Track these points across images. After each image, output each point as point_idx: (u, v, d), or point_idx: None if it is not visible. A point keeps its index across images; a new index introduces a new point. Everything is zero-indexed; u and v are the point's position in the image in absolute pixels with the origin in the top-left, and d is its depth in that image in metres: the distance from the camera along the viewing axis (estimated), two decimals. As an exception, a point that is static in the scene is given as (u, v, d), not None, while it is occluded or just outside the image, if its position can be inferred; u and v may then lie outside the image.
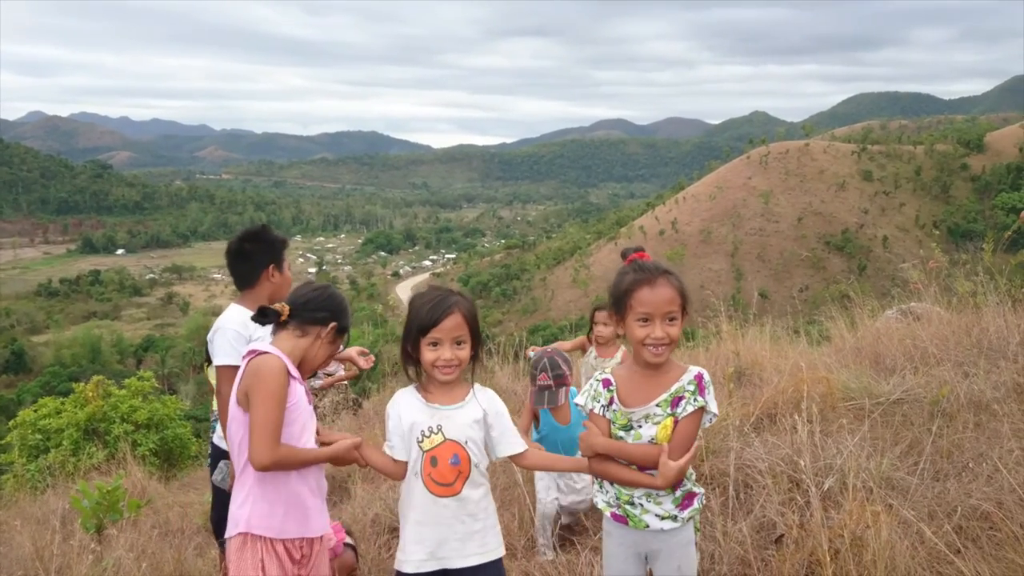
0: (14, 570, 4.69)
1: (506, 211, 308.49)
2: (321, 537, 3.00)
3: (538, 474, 4.51)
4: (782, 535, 3.70)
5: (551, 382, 4.26)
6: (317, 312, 3.00)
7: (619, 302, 2.79)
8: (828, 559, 3.32)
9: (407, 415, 2.87)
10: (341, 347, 3.25)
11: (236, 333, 3.78)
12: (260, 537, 2.82)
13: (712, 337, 7.60)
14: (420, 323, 2.81)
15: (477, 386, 2.96)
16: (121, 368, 65.75)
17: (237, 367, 3.14)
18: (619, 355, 5.75)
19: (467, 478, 2.85)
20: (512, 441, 2.94)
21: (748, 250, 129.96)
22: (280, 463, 2.79)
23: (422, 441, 2.83)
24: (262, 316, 2.95)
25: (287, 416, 2.83)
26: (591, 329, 5.92)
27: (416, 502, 2.84)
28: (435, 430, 2.84)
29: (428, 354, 2.81)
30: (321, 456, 2.92)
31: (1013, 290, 6.30)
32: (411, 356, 2.88)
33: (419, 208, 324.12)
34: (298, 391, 2.89)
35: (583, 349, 6.12)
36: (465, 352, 2.84)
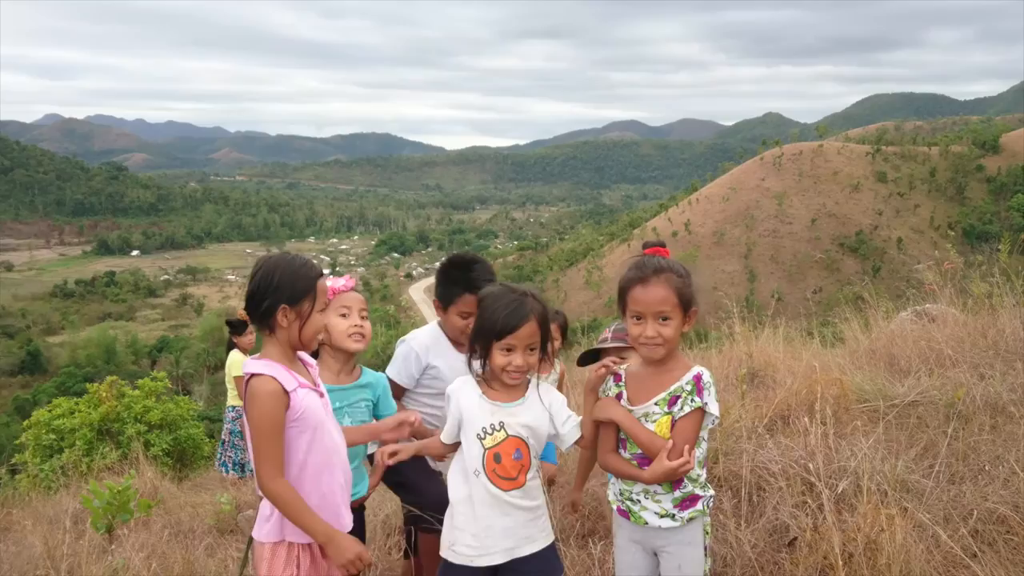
0: (26, 570, 4.70)
1: (519, 213, 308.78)
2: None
3: None
4: (795, 538, 3.67)
5: (608, 335, 3.91)
6: (261, 305, 2.78)
7: (619, 298, 2.84)
8: (841, 563, 3.28)
9: (467, 410, 2.87)
10: (321, 306, 2.90)
11: (410, 352, 3.80)
12: (295, 544, 2.82)
13: (725, 339, 7.56)
14: (497, 328, 2.79)
15: (534, 381, 2.95)
16: (136, 369, 66.02)
17: (395, 383, 3.70)
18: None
19: (528, 470, 2.89)
20: (575, 430, 2.95)
21: (762, 252, 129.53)
22: (277, 499, 2.72)
23: (484, 439, 2.84)
24: (231, 326, 2.93)
25: (296, 428, 2.77)
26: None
27: (479, 497, 2.84)
28: (497, 427, 2.85)
29: (500, 359, 2.80)
30: (316, 531, 2.74)
31: (1029, 291, 6.23)
32: (477, 352, 2.88)
33: (432, 210, 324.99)
34: (302, 401, 2.77)
35: None
36: (535, 358, 2.84)
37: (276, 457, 2.72)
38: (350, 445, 3.13)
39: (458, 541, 2.88)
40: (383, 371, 3.80)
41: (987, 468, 3.98)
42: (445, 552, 2.92)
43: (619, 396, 2.87)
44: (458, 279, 3.70)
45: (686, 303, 2.75)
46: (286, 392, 2.73)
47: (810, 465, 3.98)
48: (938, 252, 7.87)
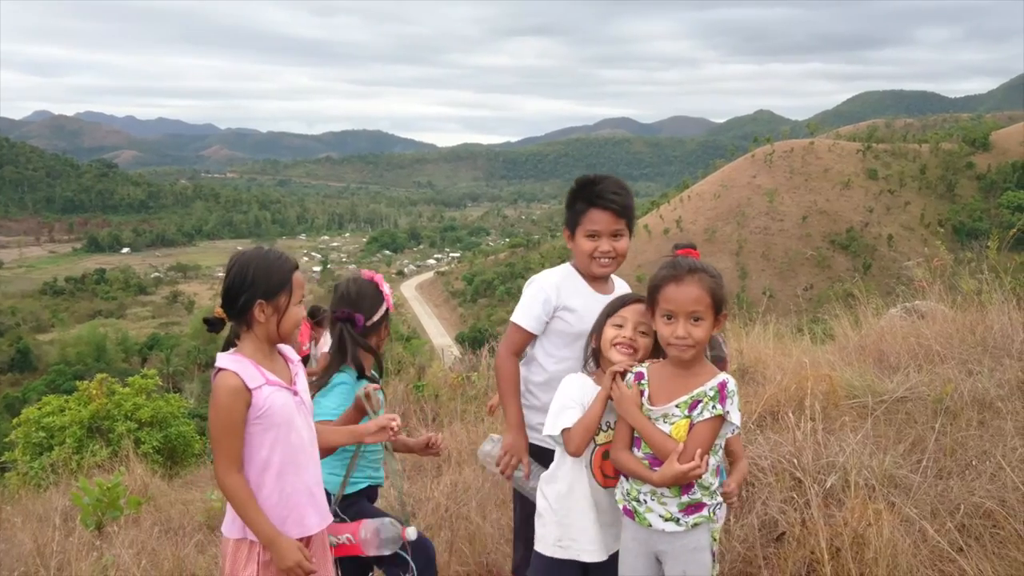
0: (15, 567, 4.68)
1: (510, 210, 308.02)
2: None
3: None
4: (783, 533, 3.69)
5: None
6: (238, 301, 2.76)
7: (650, 297, 2.83)
8: (828, 557, 3.30)
9: (589, 402, 2.89)
10: (299, 301, 2.86)
11: (538, 292, 3.32)
12: (257, 543, 2.77)
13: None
14: (608, 309, 3.00)
15: None
16: (126, 367, 65.72)
17: (521, 328, 3.27)
18: None
19: None
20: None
21: (753, 249, 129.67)
22: (229, 493, 2.70)
23: (597, 434, 2.90)
24: (209, 325, 2.81)
25: (259, 425, 2.73)
26: None
27: (588, 493, 2.91)
28: (612, 424, 2.89)
29: (610, 331, 2.94)
30: (259, 531, 2.70)
31: (1018, 288, 6.28)
32: (595, 351, 3.00)
33: (424, 207, 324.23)
34: (267, 399, 2.73)
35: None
36: (647, 341, 2.92)
37: (231, 452, 2.69)
38: (333, 446, 3.12)
39: (565, 536, 2.91)
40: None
41: (974, 463, 4.01)
42: (549, 549, 2.92)
43: (640, 395, 2.83)
44: (581, 195, 3.30)
45: (718, 305, 2.73)
46: (248, 389, 2.70)
47: (799, 460, 4.00)
48: (928, 249, 7.92)
